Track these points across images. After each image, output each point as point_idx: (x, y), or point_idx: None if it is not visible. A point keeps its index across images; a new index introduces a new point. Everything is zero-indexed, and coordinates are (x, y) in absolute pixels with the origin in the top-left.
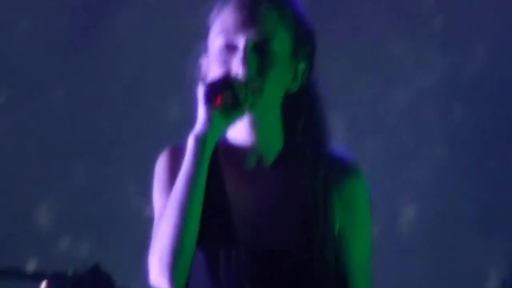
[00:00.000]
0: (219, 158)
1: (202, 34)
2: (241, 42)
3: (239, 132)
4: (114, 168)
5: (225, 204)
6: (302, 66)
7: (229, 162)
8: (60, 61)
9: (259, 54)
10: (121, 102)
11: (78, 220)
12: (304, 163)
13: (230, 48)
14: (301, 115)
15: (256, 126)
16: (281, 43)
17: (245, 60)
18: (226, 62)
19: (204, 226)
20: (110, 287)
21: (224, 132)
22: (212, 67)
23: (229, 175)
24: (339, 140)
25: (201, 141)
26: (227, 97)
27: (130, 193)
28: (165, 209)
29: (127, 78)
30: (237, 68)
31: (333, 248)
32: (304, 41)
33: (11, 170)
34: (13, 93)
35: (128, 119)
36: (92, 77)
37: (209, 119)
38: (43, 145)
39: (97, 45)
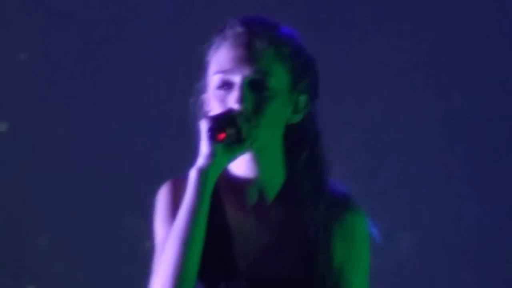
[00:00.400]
0: (221, 192)
1: (202, 70)
2: (237, 79)
3: (241, 166)
4: (113, 201)
5: (226, 237)
6: (303, 98)
7: (231, 196)
8: (60, 92)
9: (255, 91)
10: (121, 134)
11: (75, 251)
12: (306, 198)
13: (227, 85)
14: (303, 148)
15: (257, 160)
16: (278, 79)
17: (241, 98)
18: (224, 99)
19: (205, 258)
20: None
21: (226, 166)
22: (211, 104)
23: (231, 209)
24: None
25: (203, 175)
26: (231, 132)
27: (129, 225)
28: (167, 240)
29: (128, 111)
30: (234, 106)
31: (333, 281)
32: (303, 74)
33: (10, 200)
34: (14, 123)
35: (128, 152)
36: (92, 109)
37: (212, 153)
38: (43, 175)
39: (98, 77)
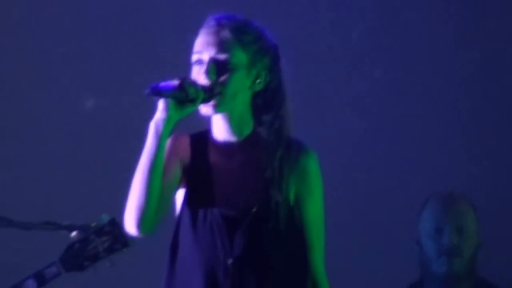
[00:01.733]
0: (207, 144)
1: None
2: (205, 57)
3: (218, 125)
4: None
5: (206, 175)
6: (262, 73)
7: (213, 146)
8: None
9: (219, 67)
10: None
11: None
12: (268, 146)
13: (200, 62)
14: (270, 110)
15: (228, 119)
16: (238, 58)
17: (207, 71)
18: (198, 72)
19: (191, 190)
20: (122, 236)
21: (177, 120)
22: (192, 75)
23: (212, 156)
24: None
25: (157, 125)
26: (179, 93)
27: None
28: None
29: None
30: (202, 77)
31: (285, 208)
32: (261, 55)
33: None
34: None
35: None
36: None
37: (165, 109)
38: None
39: None
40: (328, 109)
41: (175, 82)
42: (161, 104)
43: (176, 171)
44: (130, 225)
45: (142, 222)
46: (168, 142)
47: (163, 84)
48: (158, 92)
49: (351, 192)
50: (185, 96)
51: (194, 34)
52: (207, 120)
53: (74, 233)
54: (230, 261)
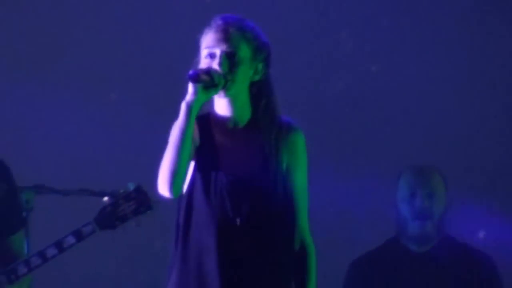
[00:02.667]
0: (212, 124)
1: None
2: (218, 52)
3: (223, 108)
4: None
5: (215, 150)
6: (260, 65)
7: (218, 126)
8: None
9: (229, 59)
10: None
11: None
12: (264, 127)
13: (212, 56)
14: (263, 97)
15: (232, 103)
16: (244, 52)
17: (220, 63)
18: (209, 64)
19: (202, 162)
20: (146, 200)
21: (205, 102)
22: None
23: (217, 134)
24: None
25: (188, 105)
26: (205, 78)
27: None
28: (168, 144)
29: None
30: (214, 68)
31: (280, 176)
32: (260, 51)
33: None
34: None
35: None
36: None
37: (194, 92)
38: None
39: None
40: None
41: (204, 69)
42: (191, 88)
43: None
44: (164, 187)
45: (174, 184)
46: None
47: (195, 70)
48: (197, 77)
49: None
50: (211, 82)
51: (199, 34)
52: (208, 104)
53: (105, 198)
54: (238, 220)
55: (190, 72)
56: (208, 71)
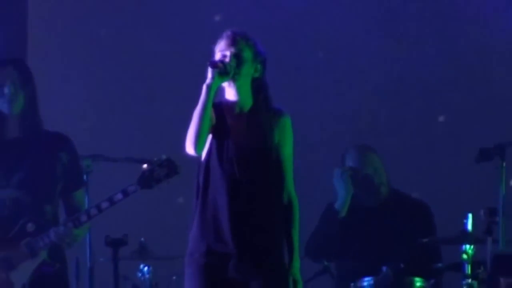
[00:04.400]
0: (224, 108)
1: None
2: (228, 53)
3: (231, 96)
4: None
5: (225, 128)
6: (259, 66)
7: (227, 110)
8: None
9: (236, 58)
10: None
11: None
12: (262, 113)
13: (224, 56)
14: (261, 90)
15: (238, 92)
16: (247, 54)
17: (230, 60)
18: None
19: (216, 136)
20: (174, 167)
21: (219, 85)
22: None
23: (227, 115)
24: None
25: (208, 86)
26: (221, 66)
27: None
28: (192, 116)
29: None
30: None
31: (275, 147)
32: (258, 55)
33: None
34: None
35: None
36: None
37: (212, 76)
38: None
39: None
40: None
41: (219, 59)
42: (209, 74)
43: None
44: (190, 146)
45: (198, 144)
46: None
47: (214, 59)
48: (215, 65)
49: None
50: (224, 69)
51: (213, 44)
52: (221, 93)
53: (144, 165)
54: (244, 181)
55: (211, 60)
56: (222, 61)
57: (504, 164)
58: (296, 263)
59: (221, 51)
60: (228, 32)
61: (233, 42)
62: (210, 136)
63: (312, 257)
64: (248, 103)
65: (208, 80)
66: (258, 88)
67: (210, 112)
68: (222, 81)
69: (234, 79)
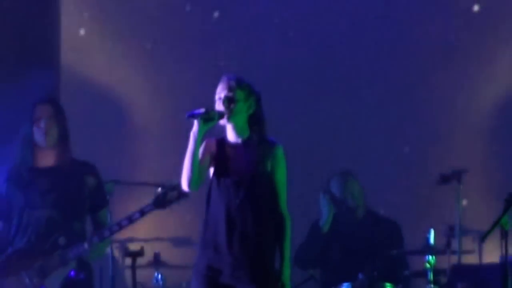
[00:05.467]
0: (225, 141)
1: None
2: (222, 96)
3: (230, 131)
4: None
5: (225, 161)
6: (253, 104)
7: (227, 143)
8: None
9: (229, 101)
10: None
11: None
12: (257, 144)
13: (220, 98)
14: (256, 125)
15: (235, 127)
16: (239, 96)
17: (223, 102)
18: (219, 103)
19: (216, 169)
20: (183, 191)
21: (205, 131)
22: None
23: (227, 147)
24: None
25: (194, 134)
26: (204, 115)
27: None
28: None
29: None
30: (221, 105)
31: (267, 177)
32: (250, 94)
33: None
34: None
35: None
36: None
37: (198, 124)
38: None
39: None
40: None
41: (202, 110)
42: (195, 122)
43: (207, 158)
44: (184, 185)
45: (190, 183)
46: (204, 143)
47: (196, 111)
48: (193, 116)
49: None
50: (207, 117)
51: (214, 89)
52: (223, 130)
53: (158, 189)
54: (237, 201)
55: (187, 112)
56: (207, 110)
57: (461, 187)
58: (286, 271)
59: (218, 93)
60: (224, 78)
61: (227, 86)
62: (211, 170)
63: (300, 266)
64: (245, 135)
65: (194, 128)
66: (254, 122)
67: (198, 154)
68: (208, 127)
69: (228, 117)
